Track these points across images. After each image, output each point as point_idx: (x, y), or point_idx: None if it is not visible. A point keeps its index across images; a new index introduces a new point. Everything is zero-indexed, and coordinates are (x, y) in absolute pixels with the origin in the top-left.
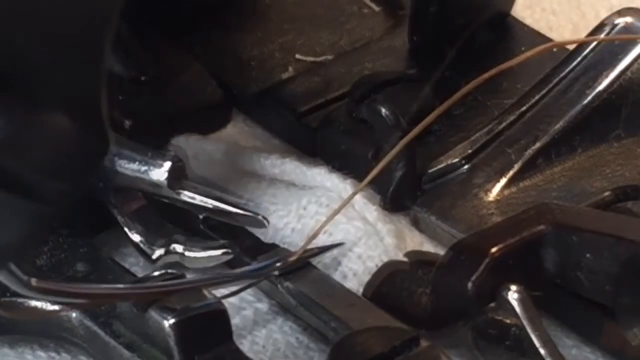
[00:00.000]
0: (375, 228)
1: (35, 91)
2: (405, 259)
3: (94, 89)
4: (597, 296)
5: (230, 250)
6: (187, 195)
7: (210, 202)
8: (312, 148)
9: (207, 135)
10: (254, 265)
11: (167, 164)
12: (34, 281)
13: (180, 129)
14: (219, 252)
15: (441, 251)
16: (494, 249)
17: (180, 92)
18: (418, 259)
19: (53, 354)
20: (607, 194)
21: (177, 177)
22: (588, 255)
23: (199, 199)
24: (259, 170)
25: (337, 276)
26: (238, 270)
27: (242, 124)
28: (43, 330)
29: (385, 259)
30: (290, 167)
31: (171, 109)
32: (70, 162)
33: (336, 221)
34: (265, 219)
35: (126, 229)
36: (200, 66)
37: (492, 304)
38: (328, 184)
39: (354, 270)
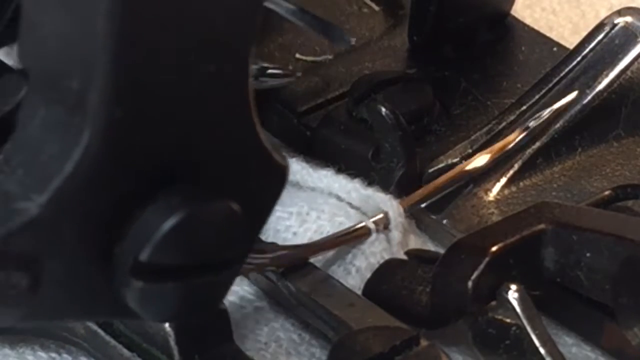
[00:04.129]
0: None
1: (205, 181)
2: (406, 257)
3: (253, 142)
4: (597, 295)
5: None
6: None
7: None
8: (312, 148)
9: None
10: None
11: None
12: None
13: None
14: None
15: (442, 250)
16: (493, 248)
17: None
18: (418, 257)
19: (54, 355)
20: (607, 192)
21: None
22: (588, 254)
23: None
24: None
25: (340, 272)
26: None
27: None
28: (44, 330)
29: (387, 256)
30: (297, 168)
31: None
32: (242, 232)
33: (336, 221)
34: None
35: None
36: None
37: (492, 303)
38: (335, 185)
39: (357, 267)
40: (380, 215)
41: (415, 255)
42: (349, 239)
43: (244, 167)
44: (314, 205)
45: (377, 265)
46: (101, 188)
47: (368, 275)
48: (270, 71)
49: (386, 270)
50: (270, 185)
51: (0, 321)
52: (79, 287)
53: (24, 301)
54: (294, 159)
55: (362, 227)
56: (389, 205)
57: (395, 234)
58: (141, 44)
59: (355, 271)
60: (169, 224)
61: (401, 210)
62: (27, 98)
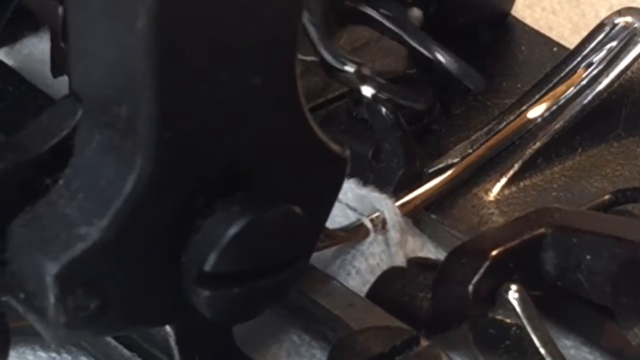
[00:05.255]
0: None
1: (271, 188)
2: (406, 265)
3: (309, 138)
4: (597, 297)
5: None
6: None
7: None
8: None
9: None
10: None
11: None
12: None
13: None
14: None
15: (442, 251)
16: (494, 252)
17: None
18: (419, 265)
19: (54, 354)
20: (607, 197)
21: None
22: (588, 256)
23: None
24: None
25: (340, 274)
26: None
27: None
28: None
29: (386, 258)
30: None
31: None
32: (301, 239)
33: (335, 221)
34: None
35: None
36: None
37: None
38: None
39: (357, 268)
40: (377, 214)
41: (416, 263)
42: (347, 237)
43: (301, 166)
44: None
45: (376, 267)
46: (159, 206)
47: (368, 276)
48: None
49: (387, 278)
50: (331, 177)
51: (74, 339)
52: (146, 300)
53: (93, 322)
54: None
55: (360, 225)
56: (384, 204)
57: (393, 233)
58: (183, 65)
59: (355, 272)
60: (230, 233)
61: (397, 209)
62: (82, 123)
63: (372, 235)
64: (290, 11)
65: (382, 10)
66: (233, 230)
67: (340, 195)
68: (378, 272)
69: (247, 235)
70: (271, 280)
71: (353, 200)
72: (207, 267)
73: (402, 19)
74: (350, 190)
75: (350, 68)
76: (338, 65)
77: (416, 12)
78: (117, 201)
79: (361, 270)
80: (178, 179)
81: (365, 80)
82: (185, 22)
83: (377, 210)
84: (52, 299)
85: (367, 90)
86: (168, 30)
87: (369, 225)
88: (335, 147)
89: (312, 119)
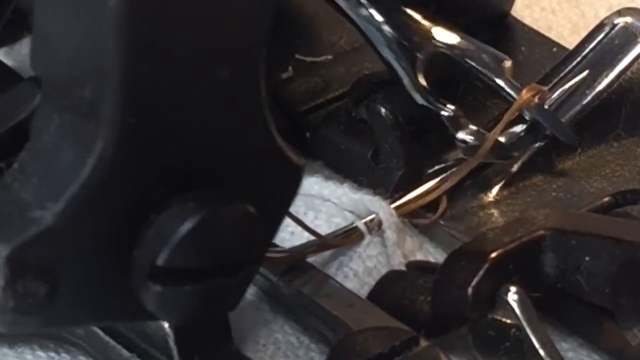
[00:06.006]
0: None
1: (223, 186)
2: (406, 269)
3: (267, 144)
4: (597, 299)
5: None
6: None
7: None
8: (312, 148)
9: None
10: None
11: None
12: None
13: None
14: None
15: (441, 251)
16: (493, 254)
17: None
18: (418, 268)
19: (52, 354)
20: (606, 199)
21: None
22: (587, 258)
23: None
24: None
25: (338, 276)
26: None
27: None
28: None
29: (383, 259)
30: None
31: None
32: (259, 236)
33: (332, 222)
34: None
35: None
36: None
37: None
38: (326, 192)
39: (354, 270)
40: (372, 217)
41: (416, 266)
42: (344, 240)
43: (259, 169)
44: (311, 206)
45: (373, 269)
46: (116, 194)
47: (365, 278)
48: None
49: (387, 282)
50: (287, 185)
51: (19, 329)
52: (96, 293)
53: (41, 309)
54: None
55: (354, 228)
56: (379, 206)
57: (389, 234)
58: (152, 51)
59: (352, 275)
60: (184, 228)
61: (392, 210)
62: (41, 106)
63: (368, 238)
64: (261, 4)
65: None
66: (187, 225)
67: (336, 200)
68: (375, 274)
69: (201, 232)
70: (223, 282)
71: (349, 205)
72: (160, 261)
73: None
74: (345, 195)
75: (445, 113)
76: (432, 109)
77: (508, 64)
78: (73, 185)
79: (358, 272)
80: (137, 167)
81: (461, 127)
82: (157, 4)
83: (373, 213)
84: (1, 282)
85: (463, 136)
86: (139, 10)
87: (362, 228)
88: (292, 154)
89: (273, 122)
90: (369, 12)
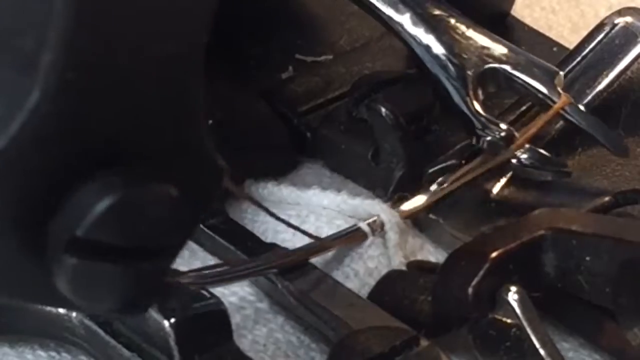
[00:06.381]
0: (376, 223)
1: (141, 165)
2: (406, 268)
3: (196, 139)
4: (597, 299)
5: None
6: None
7: None
8: (312, 148)
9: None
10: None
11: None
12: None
13: (247, 173)
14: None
15: (442, 252)
16: (493, 254)
17: (247, 135)
18: (419, 267)
19: (53, 354)
20: (606, 199)
21: None
22: (588, 258)
23: None
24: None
25: (338, 276)
26: (237, 267)
27: None
28: (43, 330)
29: (384, 260)
30: (286, 192)
31: (238, 153)
32: (179, 221)
33: (334, 224)
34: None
35: None
36: (268, 108)
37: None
38: (325, 201)
39: (355, 271)
40: (374, 218)
41: (416, 266)
42: (347, 241)
43: (186, 159)
44: (313, 209)
45: (374, 269)
46: (44, 156)
47: (366, 279)
48: None
49: (388, 282)
50: (209, 183)
51: None
52: (8, 265)
53: None
54: (281, 185)
55: (357, 229)
56: (379, 208)
57: (391, 235)
58: (100, 6)
59: (353, 275)
60: (106, 202)
61: (393, 211)
62: None
63: (370, 239)
64: None
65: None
66: (112, 198)
67: (335, 208)
68: (376, 275)
69: (122, 208)
70: (141, 266)
71: (349, 211)
72: (80, 231)
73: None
74: (344, 202)
75: (498, 134)
76: (488, 132)
77: (560, 76)
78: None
79: (359, 272)
80: (68, 131)
81: (518, 146)
82: None
83: (375, 215)
84: None
85: (522, 156)
86: None
87: (366, 228)
88: (218, 158)
89: (205, 122)
90: (417, 31)
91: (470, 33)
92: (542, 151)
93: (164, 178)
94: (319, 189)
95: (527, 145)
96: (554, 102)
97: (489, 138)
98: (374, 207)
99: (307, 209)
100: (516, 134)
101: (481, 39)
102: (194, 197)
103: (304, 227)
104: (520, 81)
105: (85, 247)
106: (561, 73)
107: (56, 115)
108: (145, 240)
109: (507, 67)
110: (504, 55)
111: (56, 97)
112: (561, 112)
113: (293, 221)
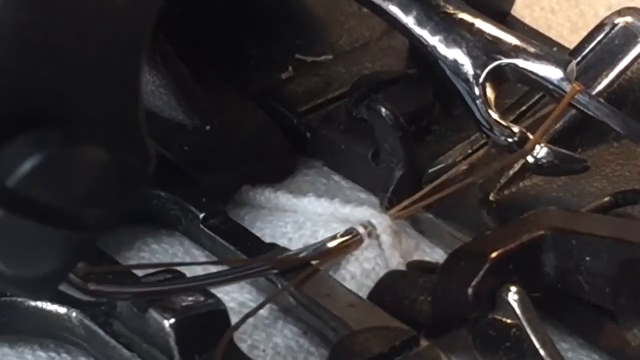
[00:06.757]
0: (369, 227)
1: (70, 125)
2: (406, 268)
3: (131, 117)
4: (597, 299)
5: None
6: None
7: None
8: (312, 148)
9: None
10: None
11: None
12: (92, 286)
13: (245, 179)
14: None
15: (438, 251)
16: (493, 254)
17: (245, 141)
18: (419, 268)
19: (53, 354)
20: (606, 199)
21: None
22: (587, 258)
23: None
24: (251, 202)
25: (335, 279)
26: (237, 267)
27: None
28: (43, 330)
29: (381, 261)
30: (283, 200)
31: (236, 159)
32: (107, 191)
33: (330, 226)
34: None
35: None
36: (265, 114)
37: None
38: (319, 209)
39: (352, 273)
40: (367, 225)
41: (416, 266)
42: (347, 244)
43: (118, 135)
44: (309, 216)
45: (371, 271)
46: None
47: (363, 280)
48: None
49: (388, 282)
50: (138, 164)
51: None
52: None
53: None
54: (278, 192)
55: (355, 234)
56: (370, 214)
57: (385, 238)
58: None
59: (350, 277)
60: (37, 157)
61: (384, 215)
62: None
63: (366, 241)
64: None
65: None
66: (40, 155)
67: (329, 215)
68: (373, 276)
69: (52, 165)
70: (66, 230)
71: (342, 219)
72: (9, 183)
73: None
74: (336, 210)
75: (511, 139)
76: (501, 136)
77: (572, 65)
78: None
79: (356, 275)
80: (4, 86)
81: (531, 147)
82: None
83: (366, 222)
84: None
85: (540, 156)
86: None
87: (361, 230)
88: (149, 143)
89: (143, 113)
90: (422, 32)
91: (477, 27)
92: (556, 148)
93: (96, 144)
94: (314, 196)
95: (541, 144)
96: (565, 93)
97: (502, 140)
98: (364, 213)
99: (304, 215)
100: (530, 135)
101: (488, 33)
102: (123, 173)
103: (300, 232)
104: (530, 75)
105: (14, 200)
106: (573, 61)
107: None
108: (73, 203)
109: (517, 62)
110: (513, 48)
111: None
112: (572, 102)
113: (290, 228)
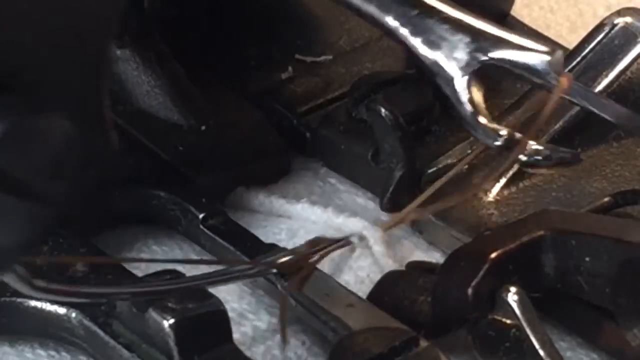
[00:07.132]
0: (364, 238)
1: (33, 94)
2: (405, 269)
3: (95, 91)
4: (597, 299)
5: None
6: None
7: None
8: (312, 148)
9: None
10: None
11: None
12: (39, 282)
13: (240, 179)
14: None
15: (434, 253)
16: (493, 255)
17: (240, 141)
18: (419, 268)
19: (53, 353)
20: (606, 199)
21: None
22: (587, 258)
23: None
24: (246, 205)
25: None
26: (237, 268)
27: None
28: (43, 331)
29: (375, 268)
30: (277, 204)
31: (231, 159)
32: (70, 163)
33: (327, 233)
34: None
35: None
36: (260, 115)
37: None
38: (313, 217)
39: (346, 281)
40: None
41: (416, 267)
42: (337, 246)
43: (81, 110)
44: (303, 223)
45: (366, 278)
46: None
47: (357, 288)
48: None
49: (387, 282)
50: (99, 147)
51: None
52: None
53: None
54: (272, 197)
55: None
56: (361, 226)
57: (377, 248)
58: None
59: (344, 284)
60: (2, 124)
61: (375, 227)
62: None
63: (358, 251)
64: None
65: None
66: (5, 123)
67: (322, 224)
68: (368, 284)
69: (17, 133)
70: (30, 202)
71: (336, 229)
72: None
73: None
74: (329, 219)
75: (498, 142)
76: (490, 142)
77: (557, 55)
78: None
79: (350, 283)
80: None
81: (521, 148)
82: None
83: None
84: None
85: (531, 157)
86: None
87: (354, 239)
88: (112, 130)
89: (108, 100)
90: (404, 33)
91: (458, 26)
92: (548, 144)
93: (59, 115)
94: (308, 203)
95: (531, 142)
96: (553, 85)
97: (490, 142)
98: (356, 225)
99: (298, 222)
100: (518, 135)
101: (470, 31)
102: (86, 148)
103: (294, 240)
104: (516, 70)
105: None
106: (559, 52)
107: None
108: (37, 174)
109: (500, 58)
110: (496, 45)
111: None
112: (563, 95)
113: (284, 235)
